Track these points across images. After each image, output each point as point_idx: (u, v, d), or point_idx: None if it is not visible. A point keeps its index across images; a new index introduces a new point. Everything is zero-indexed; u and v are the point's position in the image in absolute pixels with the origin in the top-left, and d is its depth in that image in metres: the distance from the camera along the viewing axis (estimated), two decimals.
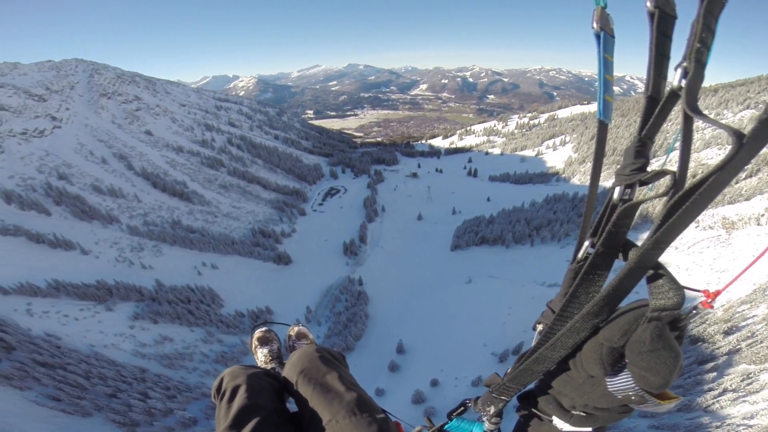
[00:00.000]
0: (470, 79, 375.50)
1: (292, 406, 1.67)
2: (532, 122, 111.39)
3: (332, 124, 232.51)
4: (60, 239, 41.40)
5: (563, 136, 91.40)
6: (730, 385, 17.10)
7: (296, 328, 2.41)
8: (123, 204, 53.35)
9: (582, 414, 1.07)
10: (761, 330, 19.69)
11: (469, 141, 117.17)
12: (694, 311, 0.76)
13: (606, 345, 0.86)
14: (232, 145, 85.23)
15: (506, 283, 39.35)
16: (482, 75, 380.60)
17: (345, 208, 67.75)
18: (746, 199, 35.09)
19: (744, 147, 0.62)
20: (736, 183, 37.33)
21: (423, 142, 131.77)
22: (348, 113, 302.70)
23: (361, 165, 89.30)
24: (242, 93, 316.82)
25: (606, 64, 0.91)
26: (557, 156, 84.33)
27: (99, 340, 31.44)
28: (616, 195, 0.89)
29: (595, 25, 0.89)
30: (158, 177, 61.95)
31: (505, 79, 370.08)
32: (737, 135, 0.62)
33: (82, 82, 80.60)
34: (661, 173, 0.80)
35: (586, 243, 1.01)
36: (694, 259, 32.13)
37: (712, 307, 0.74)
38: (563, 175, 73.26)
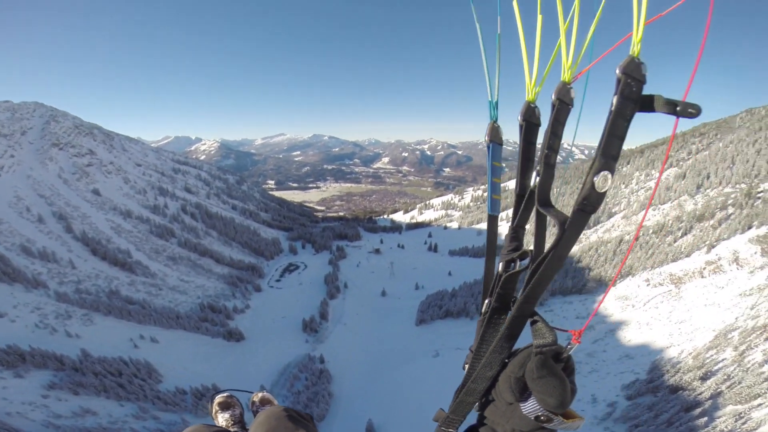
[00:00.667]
0: (428, 152, 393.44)
1: None
2: (485, 195, 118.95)
3: (293, 196, 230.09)
4: None
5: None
6: (726, 427, 16.83)
7: (260, 394, 2.35)
8: (54, 269, 47.48)
9: None
10: (735, 371, 20.17)
11: (428, 215, 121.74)
12: (569, 345, 0.96)
13: (512, 376, 1.05)
14: (185, 213, 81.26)
15: None
16: (439, 148, 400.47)
17: (305, 284, 64.70)
18: (687, 256, 37.43)
19: (566, 232, 0.82)
20: (675, 242, 39.69)
21: (385, 216, 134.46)
22: (310, 185, 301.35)
23: (322, 240, 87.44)
24: (203, 156, 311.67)
25: (494, 170, 1.14)
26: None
27: (1, 407, 26.17)
28: (500, 268, 1.15)
29: (486, 138, 1.11)
30: (99, 243, 56.67)
31: (459, 152, 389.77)
32: (561, 223, 0.83)
33: (36, 128, 75.71)
34: (524, 252, 1.07)
35: (487, 301, 1.26)
36: (652, 314, 33.37)
37: (579, 342, 0.94)
38: None
